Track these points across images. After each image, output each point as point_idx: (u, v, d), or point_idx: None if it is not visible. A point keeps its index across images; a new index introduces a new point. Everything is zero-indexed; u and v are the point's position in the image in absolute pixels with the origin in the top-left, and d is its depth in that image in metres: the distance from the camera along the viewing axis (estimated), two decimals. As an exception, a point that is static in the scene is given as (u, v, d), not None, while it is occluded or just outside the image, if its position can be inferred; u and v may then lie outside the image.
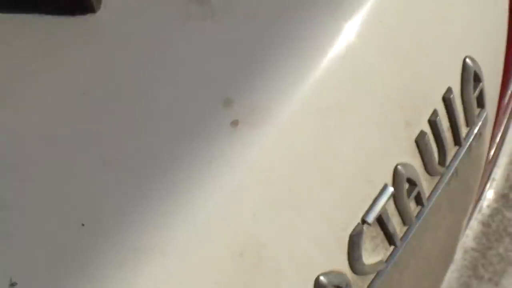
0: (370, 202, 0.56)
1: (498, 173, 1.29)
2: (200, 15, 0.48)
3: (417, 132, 0.58)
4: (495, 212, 1.29)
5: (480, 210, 1.28)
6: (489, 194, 1.29)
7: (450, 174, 0.67)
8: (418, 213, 0.66)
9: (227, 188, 0.45)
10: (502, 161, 1.29)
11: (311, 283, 0.54)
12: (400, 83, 0.54)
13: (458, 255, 1.21)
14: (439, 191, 0.67)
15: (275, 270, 0.50)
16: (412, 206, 0.63)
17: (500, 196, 1.30)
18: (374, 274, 0.63)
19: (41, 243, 0.41)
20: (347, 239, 0.55)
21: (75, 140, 0.45)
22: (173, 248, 0.43)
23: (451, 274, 1.21)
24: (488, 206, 1.29)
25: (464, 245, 1.23)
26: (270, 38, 0.48)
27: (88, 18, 0.49)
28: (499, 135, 0.96)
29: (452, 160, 0.67)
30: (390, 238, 0.62)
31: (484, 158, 0.81)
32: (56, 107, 0.46)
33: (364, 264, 0.59)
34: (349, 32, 0.50)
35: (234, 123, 0.45)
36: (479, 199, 1.16)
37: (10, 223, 0.42)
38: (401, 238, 0.64)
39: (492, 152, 0.96)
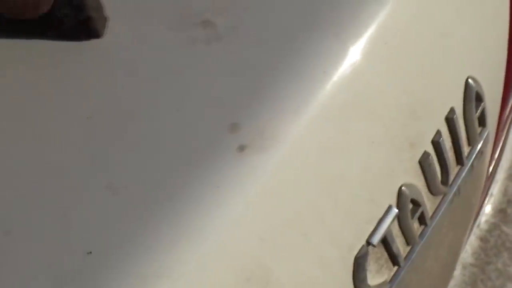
0: (375, 223, 0.56)
1: (496, 188, 1.29)
2: (205, 39, 0.48)
3: (420, 152, 0.58)
4: (493, 227, 1.29)
5: (478, 226, 1.28)
6: (487, 209, 1.29)
7: (452, 193, 0.67)
8: (421, 232, 0.66)
9: (234, 214, 0.44)
10: (500, 176, 1.29)
11: (317, 306, 0.53)
12: (405, 104, 0.54)
13: (457, 271, 1.21)
14: (442, 210, 0.67)
15: (281, 294, 0.50)
16: (415, 226, 0.63)
17: (498, 211, 1.30)
18: (378, 295, 0.62)
19: (47, 271, 0.41)
20: (352, 261, 0.55)
21: (81, 166, 0.44)
22: (181, 274, 0.42)
23: (450, 290, 1.21)
24: (486, 221, 1.29)
25: (463, 261, 1.23)
26: (276, 62, 0.48)
27: (93, 43, 0.49)
28: (498, 151, 0.97)
29: (454, 180, 0.67)
30: (394, 258, 0.62)
31: (485, 176, 0.81)
32: (61, 132, 0.46)
33: (368, 286, 0.59)
34: (354, 54, 0.50)
35: (241, 148, 0.45)
36: (477, 214, 1.17)
37: (16, 250, 0.42)
38: (405, 258, 0.64)
39: (491, 168, 0.96)
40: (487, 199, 1.22)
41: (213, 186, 0.43)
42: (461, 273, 1.23)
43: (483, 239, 1.28)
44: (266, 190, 0.46)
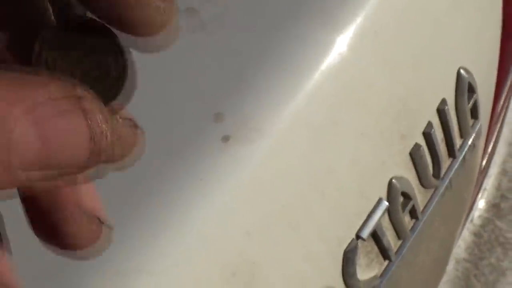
0: (364, 217, 0.55)
1: (489, 183, 1.29)
2: (190, 27, 0.47)
3: (411, 144, 0.57)
4: (486, 222, 1.29)
5: (471, 220, 1.27)
6: (481, 204, 1.29)
7: (444, 186, 0.66)
8: (413, 226, 0.64)
9: (219, 206, 0.43)
10: (493, 171, 1.29)
11: (305, 301, 0.52)
12: (395, 95, 0.53)
13: (450, 266, 1.20)
14: (434, 203, 0.65)
15: (268, 289, 0.48)
16: (406, 219, 0.62)
17: (492, 205, 1.29)
18: (369, 290, 0.61)
19: (24, 268, 0.39)
20: (341, 255, 0.54)
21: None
22: (162, 268, 0.41)
23: (444, 286, 1.20)
24: (479, 216, 1.28)
25: (456, 256, 1.22)
26: (261, 51, 0.47)
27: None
28: (491, 145, 0.96)
29: (446, 172, 0.66)
30: (384, 252, 0.61)
31: (477, 169, 0.80)
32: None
33: (358, 281, 0.57)
34: (342, 44, 0.48)
35: (225, 138, 0.43)
36: (470, 209, 1.16)
37: None
38: (396, 252, 0.63)
39: (484, 162, 0.95)
40: (480, 193, 1.21)
41: (197, 178, 0.42)
42: (454, 268, 1.23)
43: (476, 234, 1.27)
44: (252, 182, 0.44)
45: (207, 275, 0.44)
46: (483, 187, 1.23)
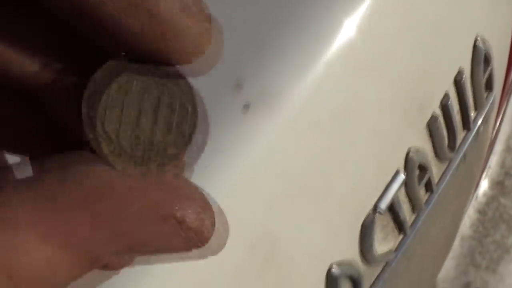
0: (382, 189, 0.54)
1: (494, 160, 1.28)
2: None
3: (428, 115, 0.56)
4: (491, 199, 1.28)
5: (476, 198, 1.27)
6: (485, 181, 1.28)
7: (458, 159, 0.65)
8: (427, 199, 0.64)
9: (239, 178, 0.42)
10: (497, 148, 1.28)
11: (323, 274, 0.52)
12: (414, 64, 0.52)
13: (455, 243, 1.20)
14: (448, 176, 0.65)
15: (288, 262, 0.48)
16: (421, 192, 0.62)
17: (496, 183, 1.29)
18: (383, 264, 0.61)
19: None
20: (359, 228, 0.53)
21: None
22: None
23: (449, 263, 1.20)
24: (484, 194, 1.28)
25: (461, 233, 1.22)
26: (281, 18, 0.45)
27: None
28: (499, 119, 0.95)
29: (460, 145, 0.65)
30: (400, 226, 0.60)
31: (488, 143, 0.80)
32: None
33: (375, 254, 0.57)
34: (362, 13, 0.47)
35: (246, 107, 0.42)
36: (477, 186, 1.15)
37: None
38: (410, 226, 0.63)
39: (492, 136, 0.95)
40: (485, 171, 1.21)
41: (217, 151, 0.41)
42: (459, 245, 1.22)
43: (481, 212, 1.27)
44: (272, 153, 0.43)
45: (227, 247, 0.43)
46: (487, 165, 1.22)
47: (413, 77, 0.51)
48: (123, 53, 0.17)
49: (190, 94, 0.18)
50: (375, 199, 0.54)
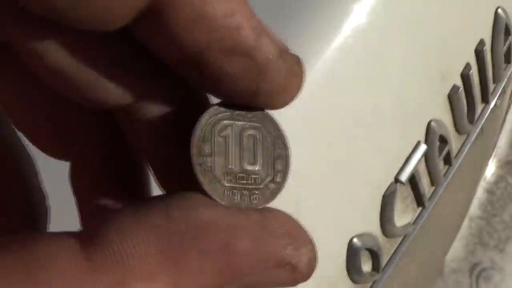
0: (403, 160, 0.53)
1: (502, 140, 1.27)
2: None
3: (450, 86, 0.55)
4: (499, 179, 1.28)
5: (484, 178, 1.26)
6: (493, 161, 1.28)
7: (476, 132, 0.65)
8: (446, 172, 0.63)
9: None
10: (506, 128, 1.27)
11: (345, 245, 0.51)
12: (436, 34, 0.51)
13: (464, 223, 1.20)
14: (466, 150, 0.64)
15: (311, 231, 0.47)
16: (440, 165, 0.61)
17: (505, 163, 1.28)
18: (402, 238, 0.60)
19: None
20: (380, 199, 0.53)
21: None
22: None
23: (457, 242, 1.20)
24: (492, 174, 1.28)
25: (470, 213, 1.22)
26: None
27: None
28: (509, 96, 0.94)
29: (479, 118, 0.65)
30: (419, 198, 0.60)
31: (503, 117, 0.79)
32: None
33: (394, 226, 0.57)
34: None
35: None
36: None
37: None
38: (428, 199, 0.62)
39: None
40: (494, 151, 1.21)
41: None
42: (468, 225, 1.22)
43: (489, 191, 1.26)
44: (298, 119, 0.43)
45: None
46: (496, 145, 1.22)
47: (436, 46, 0.51)
48: (217, 104, 0.19)
49: (279, 131, 0.20)
50: (397, 170, 0.53)
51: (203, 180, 0.18)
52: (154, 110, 0.19)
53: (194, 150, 0.18)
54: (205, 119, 0.19)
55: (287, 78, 0.18)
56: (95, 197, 0.21)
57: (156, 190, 0.21)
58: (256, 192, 0.19)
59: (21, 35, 0.18)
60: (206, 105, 0.19)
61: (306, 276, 0.18)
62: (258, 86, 0.18)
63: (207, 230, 0.17)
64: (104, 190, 0.21)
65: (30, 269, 0.15)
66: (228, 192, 0.18)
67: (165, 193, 0.19)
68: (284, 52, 0.18)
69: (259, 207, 0.19)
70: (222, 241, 0.16)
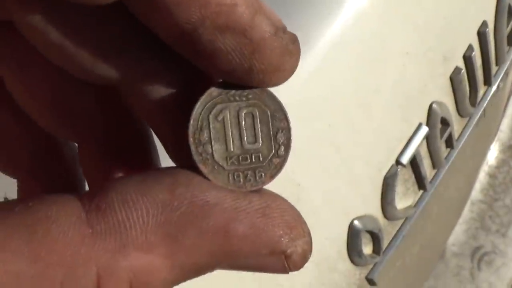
0: (405, 141, 0.53)
1: (505, 123, 1.27)
2: None
3: (452, 68, 0.55)
4: (501, 163, 1.27)
5: (487, 162, 1.26)
6: (496, 145, 1.27)
7: (479, 115, 0.65)
8: (447, 155, 0.63)
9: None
10: (509, 111, 1.27)
11: (346, 227, 0.51)
12: (439, 15, 0.51)
13: (466, 207, 1.19)
14: (468, 132, 0.64)
15: (312, 213, 0.47)
16: (442, 148, 0.61)
17: (507, 147, 1.28)
18: (403, 220, 0.60)
19: None
20: (381, 181, 0.53)
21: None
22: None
23: (459, 227, 1.20)
24: (495, 158, 1.27)
25: (471, 197, 1.21)
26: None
27: None
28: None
29: (481, 101, 0.64)
30: (420, 181, 0.59)
31: (505, 100, 0.79)
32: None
33: (396, 209, 0.56)
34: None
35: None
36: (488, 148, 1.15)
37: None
38: (430, 182, 0.62)
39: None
40: (497, 135, 1.20)
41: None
42: (469, 210, 1.22)
43: (491, 175, 1.26)
44: (299, 99, 0.43)
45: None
46: (499, 129, 1.21)
47: (438, 28, 0.50)
48: (210, 88, 0.19)
49: (277, 104, 0.19)
50: (398, 152, 0.53)
51: (205, 169, 0.18)
52: (159, 87, 0.19)
53: (191, 141, 0.18)
54: (199, 106, 0.19)
55: (281, 57, 0.18)
56: (104, 175, 0.22)
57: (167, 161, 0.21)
58: (261, 169, 0.19)
59: (23, 12, 0.18)
60: (211, 84, 0.19)
61: (298, 267, 0.18)
62: (252, 64, 0.18)
63: (208, 210, 0.17)
64: (113, 168, 0.22)
65: (33, 231, 0.15)
66: (232, 176, 0.18)
67: (175, 166, 0.19)
68: (280, 30, 0.18)
69: (266, 183, 0.19)
70: (221, 223, 0.17)
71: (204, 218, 0.17)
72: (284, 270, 0.18)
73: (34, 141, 0.23)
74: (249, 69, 0.18)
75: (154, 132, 0.21)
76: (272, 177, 0.19)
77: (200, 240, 0.17)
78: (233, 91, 0.19)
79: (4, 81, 0.21)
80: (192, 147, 0.18)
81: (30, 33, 0.19)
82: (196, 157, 0.18)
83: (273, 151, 0.19)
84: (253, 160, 0.19)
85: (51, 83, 0.21)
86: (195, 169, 0.18)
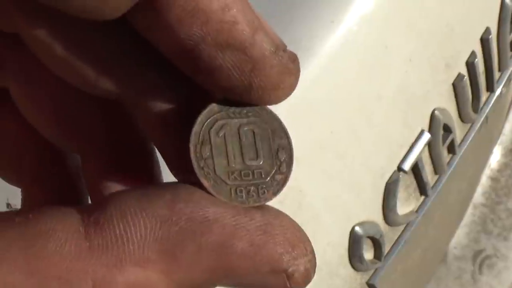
0: (407, 148, 0.53)
1: (507, 127, 1.27)
2: None
3: (455, 74, 0.55)
4: (503, 167, 1.27)
5: (489, 165, 1.26)
6: (498, 148, 1.27)
7: (481, 121, 0.65)
8: (449, 161, 0.63)
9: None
10: (511, 115, 1.27)
11: (347, 233, 0.51)
12: (442, 19, 0.51)
13: (468, 210, 1.19)
14: (470, 139, 0.64)
15: (313, 219, 0.47)
16: (444, 154, 0.61)
17: (509, 150, 1.27)
18: (404, 226, 0.60)
19: None
20: (383, 187, 0.53)
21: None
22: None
23: (460, 230, 1.20)
24: (497, 161, 1.27)
25: (473, 201, 1.21)
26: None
27: None
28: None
29: (483, 107, 0.64)
30: (422, 187, 0.60)
31: (508, 106, 0.79)
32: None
33: (397, 215, 0.57)
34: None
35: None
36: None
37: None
38: (432, 188, 0.62)
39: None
40: (499, 138, 1.20)
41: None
42: (471, 213, 1.22)
43: (493, 179, 1.26)
44: (301, 106, 0.43)
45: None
46: (502, 133, 1.21)
47: (441, 34, 0.50)
48: (211, 104, 0.19)
49: (277, 121, 0.19)
50: (400, 159, 0.53)
51: (207, 183, 0.18)
52: (161, 101, 0.19)
53: (193, 155, 0.18)
54: (200, 122, 0.19)
55: (281, 75, 0.18)
56: (106, 188, 0.22)
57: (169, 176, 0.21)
58: (263, 186, 0.19)
59: (28, 26, 0.18)
60: (212, 99, 0.19)
61: (300, 286, 0.18)
62: (251, 81, 0.18)
63: (207, 227, 0.17)
64: (115, 181, 0.22)
65: (31, 244, 0.15)
66: (234, 191, 0.18)
67: (175, 181, 0.19)
68: (279, 48, 0.18)
69: (269, 199, 0.19)
70: (220, 240, 0.17)
71: (203, 235, 0.16)
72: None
73: (38, 151, 0.23)
74: (249, 86, 0.18)
75: (156, 146, 0.21)
76: (275, 194, 0.19)
77: (199, 257, 0.16)
78: (233, 108, 0.19)
79: (10, 93, 0.21)
80: (194, 161, 0.18)
81: (35, 46, 0.19)
82: (198, 171, 0.18)
83: (275, 168, 0.19)
84: (255, 176, 0.19)
85: (56, 96, 0.21)
86: (196, 184, 0.18)
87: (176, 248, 0.16)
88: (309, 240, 0.18)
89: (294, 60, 0.18)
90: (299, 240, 0.18)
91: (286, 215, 0.18)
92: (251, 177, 0.19)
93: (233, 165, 0.19)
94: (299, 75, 0.19)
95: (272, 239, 0.17)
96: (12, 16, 0.18)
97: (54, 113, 0.21)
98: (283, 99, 0.19)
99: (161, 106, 0.19)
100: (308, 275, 0.18)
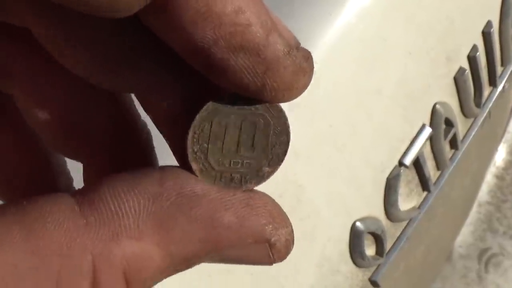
0: (408, 143, 0.53)
1: (512, 125, 1.26)
2: None
3: (456, 68, 0.54)
4: (509, 165, 1.27)
5: (494, 164, 1.25)
6: (503, 147, 1.27)
7: (484, 116, 0.64)
8: (452, 156, 0.63)
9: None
10: (517, 113, 1.26)
11: (348, 229, 0.51)
12: (443, 12, 0.50)
13: (473, 209, 1.19)
14: (473, 134, 0.64)
15: (313, 214, 0.47)
16: (446, 149, 0.61)
17: (515, 148, 1.27)
18: (407, 222, 0.60)
19: None
20: (384, 182, 0.52)
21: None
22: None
23: (466, 228, 1.19)
24: (502, 159, 1.27)
25: (479, 199, 1.21)
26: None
27: None
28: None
29: (486, 101, 0.64)
30: (424, 183, 0.59)
31: (511, 103, 0.78)
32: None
33: (399, 210, 0.56)
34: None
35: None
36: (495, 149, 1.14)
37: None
38: (434, 184, 0.62)
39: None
40: (504, 136, 1.19)
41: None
42: (477, 211, 1.21)
43: (499, 177, 1.25)
44: (300, 99, 0.42)
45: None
46: (506, 130, 1.20)
47: (442, 27, 0.50)
48: (221, 96, 0.19)
49: (283, 119, 0.20)
50: (401, 153, 0.53)
51: (195, 166, 0.19)
52: (170, 97, 0.20)
53: (190, 139, 0.19)
54: (205, 109, 0.19)
55: (295, 75, 0.18)
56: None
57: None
58: (248, 175, 0.19)
59: (39, 23, 0.19)
60: (222, 92, 0.20)
61: (282, 257, 0.19)
62: (265, 82, 0.18)
63: (196, 201, 0.18)
64: None
65: (30, 225, 0.16)
66: (219, 176, 0.19)
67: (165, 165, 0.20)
68: (293, 48, 0.18)
69: (250, 188, 0.19)
70: (209, 213, 0.18)
71: (192, 208, 0.17)
72: (269, 259, 0.18)
73: (33, 166, 0.23)
74: (262, 87, 0.18)
75: (166, 140, 0.21)
76: (257, 184, 0.19)
77: (190, 229, 0.17)
78: (243, 101, 0.19)
79: (15, 100, 0.22)
80: (189, 144, 0.19)
81: (45, 42, 0.19)
82: (190, 155, 0.19)
83: (265, 162, 0.19)
84: (244, 165, 0.19)
85: (62, 102, 0.21)
86: (189, 169, 0.19)
87: (168, 221, 0.17)
88: (287, 216, 0.19)
89: (307, 58, 0.18)
90: (279, 213, 0.19)
91: (264, 193, 0.19)
92: (239, 166, 0.19)
93: (226, 153, 0.19)
94: (312, 73, 0.19)
95: (255, 211, 0.18)
96: (25, 13, 0.19)
97: (60, 120, 0.22)
98: (297, 97, 0.19)
99: (170, 101, 0.20)
100: (289, 246, 0.19)
